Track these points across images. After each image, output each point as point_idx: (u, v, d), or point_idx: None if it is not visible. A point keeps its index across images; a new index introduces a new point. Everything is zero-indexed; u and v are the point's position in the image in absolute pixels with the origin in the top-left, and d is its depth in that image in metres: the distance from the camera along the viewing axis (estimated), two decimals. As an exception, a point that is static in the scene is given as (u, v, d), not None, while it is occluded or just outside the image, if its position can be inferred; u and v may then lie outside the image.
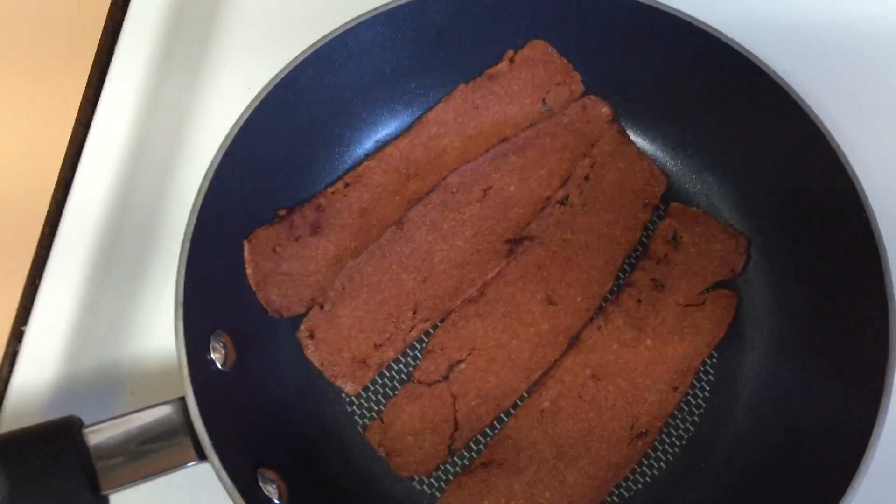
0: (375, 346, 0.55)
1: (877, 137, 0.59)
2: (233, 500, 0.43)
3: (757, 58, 0.53)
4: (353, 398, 0.54)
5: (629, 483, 0.52)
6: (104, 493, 0.43)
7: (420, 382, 0.54)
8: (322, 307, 0.55)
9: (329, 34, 0.53)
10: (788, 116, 0.52)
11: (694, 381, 0.54)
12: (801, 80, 0.55)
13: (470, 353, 0.55)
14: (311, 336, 0.55)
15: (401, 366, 0.55)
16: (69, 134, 0.57)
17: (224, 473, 0.43)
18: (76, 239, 0.55)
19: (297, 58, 0.52)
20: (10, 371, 0.53)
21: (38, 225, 0.55)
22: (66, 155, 0.57)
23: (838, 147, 0.51)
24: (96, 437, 0.43)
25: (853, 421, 0.46)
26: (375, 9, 0.54)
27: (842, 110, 0.57)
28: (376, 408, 0.54)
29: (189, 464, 0.45)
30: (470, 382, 0.54)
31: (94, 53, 0.59)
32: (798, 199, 0.54)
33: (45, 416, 0.51)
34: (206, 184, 0.49)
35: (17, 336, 0.54)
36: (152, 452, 0.44)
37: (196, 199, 0.48)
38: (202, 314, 0.48)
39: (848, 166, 0.50)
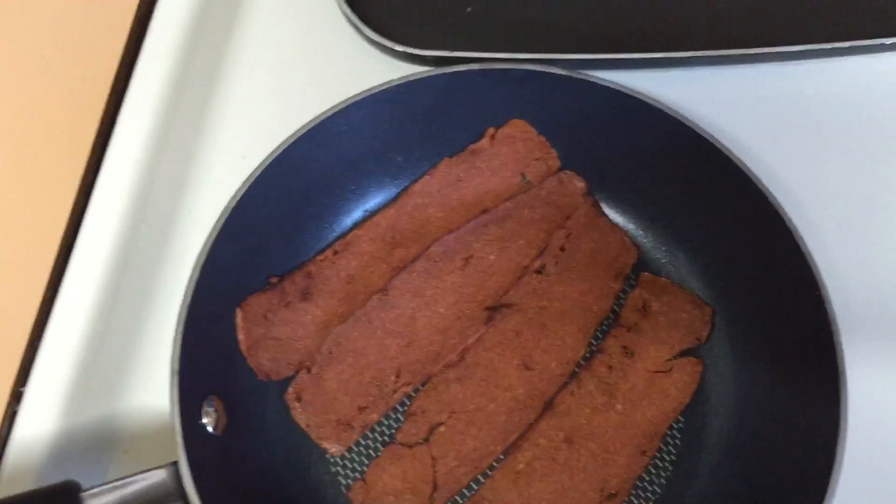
0: (360, 408, 0.58)
1: (833, 212, 0.62)
2: (222, 562, 0.45)
3: (720, 143, 0.57)
4: (338, 459, 0.57)
5: (599, 543, 0.55)
6: (101, 556, 0.45)
7: (402, 444, 0.57)
8: (309, 371, 0.58)
9: (322, 114, 0.56)
10: (749, 198, 0.56)
11: (661, 444, 0.57)
12: (764, 157, 0.60)
13: (449, 416, 0.58)
14: (299, 399, 0.57)
15: (384, 428, 0.58)
16: (72, 201, 0.60)
17: (215, 537, 0.46)
18: (76, 302, 0.57)
19: (291, 136, 0.56)
20: (10, 430, 0.55)
21: (40, 288, 0.58)
22: (67, 223, 0.60)
23: (793, 227, 0.54)
24: (94, 501, 0.46)
25: (810, 478, 0.49)
26: (367, 90, 0.57)
27: (801, 187, 0.60)
28: (359, 468, 0.56)
29: (182, 528, 0.47)
30: (449, 444, 0.57)
31: (97, 123, 0.62)
32: (757, 274, 0.58)
33: (42, 474, 0.53)
34: (203, 256, 0.52)
35: (16, 396, 0.56)
36: (147, 517, 0.46)
37: (193, 270, 0.51)
38: (196, 381, 0.51)
39: (802, 245, 0.54)
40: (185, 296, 0.51)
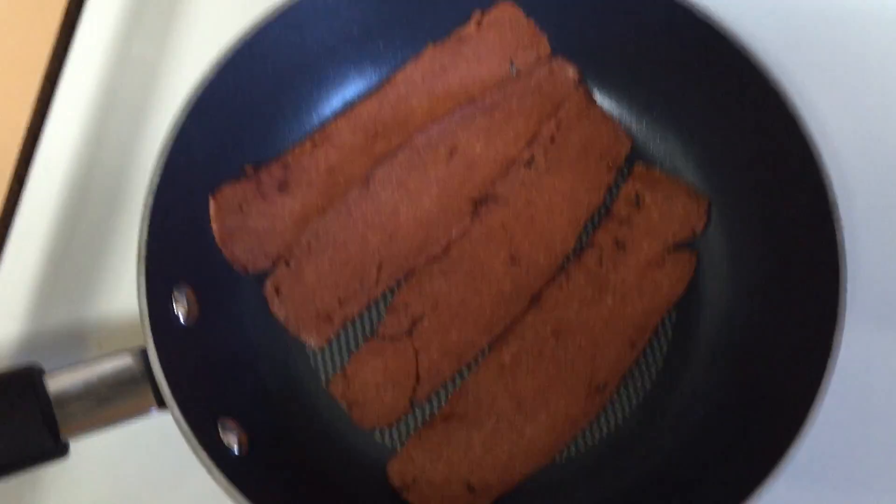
0: (340, 301, 0.56)
1: (836, 101, 0.59)
2: (192, 448, 0.44)
3: (715, 18, 0.53)
4: (317, 352, 0.55)
5: (586, 436, 0.54)
6: (64, 439, 0.44)
7: (383, 337, 0.55)
8: (288, 264, 0.56)
9: (295, -7, 0.53)
10: (750, 80, 0.53)
11: (652, 338, 0.56)
12: (764, 45, 0.56)
13: (433, 310, 0.56)
14: (277, 292, 0.56)
15: (364, 321, 0.56)
16: (37, 90, 0.58)
17: (183, 422, 0.44)
18: (44, 193, 0.55)
19: (263, 18, 0.52)
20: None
21: (4, 181, 0.56)
22: (33, 111, 0.57)
23: (796, 109, 0.51)
24: (56, 383, 0.44)
25: (803, 376, 0.47)
26: (343, -33, 0.54)
27: (804, 76, 0.57)
28: (339, 362, 0.55)
29: (150, 411, 0.46)
30: (432, 338, 0.55)
31: (63, 9, 0.59)
32: (757, 162, 0.55)
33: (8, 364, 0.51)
34: (171, 140, 0.49)
35: (-17, 288, 0.54)
36: (113, 399, 0.45)
37: (160, 154, 0.49)
38: (165, 268, 0.49)
39: (805, 128, 0.51)
40: (152, 180, 0.48)
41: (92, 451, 0.48)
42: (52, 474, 0.51)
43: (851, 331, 0.47)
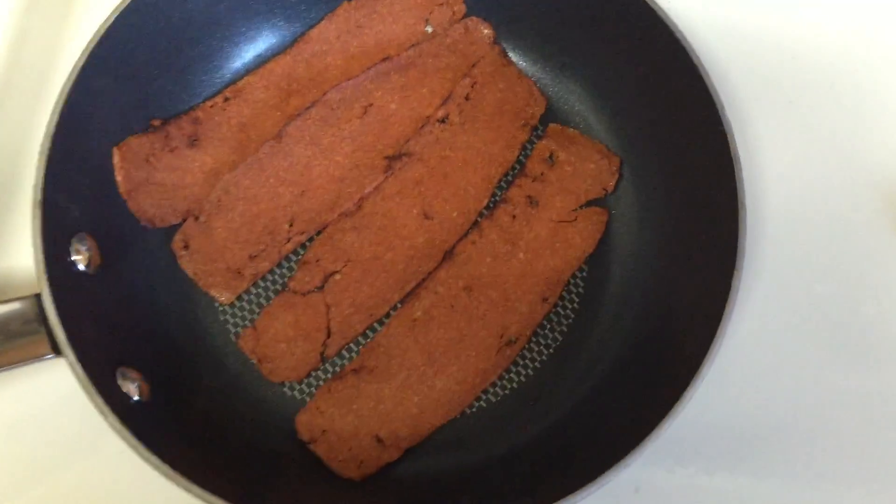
0: (250, 257, 0.55)
1: (740, 55, 0.60)
2: (87, 392, 0.43)
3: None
4: (227, 308, 0.54)
5: (497, 388, 0.54)
6: (-48, 383, 0.42)
7: (295, 292, 0.55)
8: (197, 218, 0.55)
9: (202, -62, 0.52)
10: (657, 38, 0.54)
11: (563, 292, 0.56)
12: (677, 8, 0.57)
13: (345, 265, 0.55)
14: (186, 247, 0.55)
15: (276, 277, 0.55)
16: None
17: (79, 367, 0.43)
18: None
19: (167, -38, 0.52)
20: None
21: None
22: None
23: (702, 66, 0.52)
24: (-60, 329, 0.43)
25: (702, 326, 0.48)
26: (251, -85, 0.54)
27: (709, 32, 0.58)
28: (250, 317, 0.54)
29: (45, 357, 0.44)
30: (344, 292, 0.55)
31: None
32: (665, 120, 0.56)
33: None
34: (69, 83, 0.48)
35: None
36: (6, 342, 0.44)
37: (59, 97, 0.48)
38: (64, 215, 0.48)
39: (710, 84, 0.52)
40: (49, 125, 0.47)
41: None
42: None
43: (749, 288, 0.48)
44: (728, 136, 0.51)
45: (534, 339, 0.55)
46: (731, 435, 0.53)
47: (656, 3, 0.54)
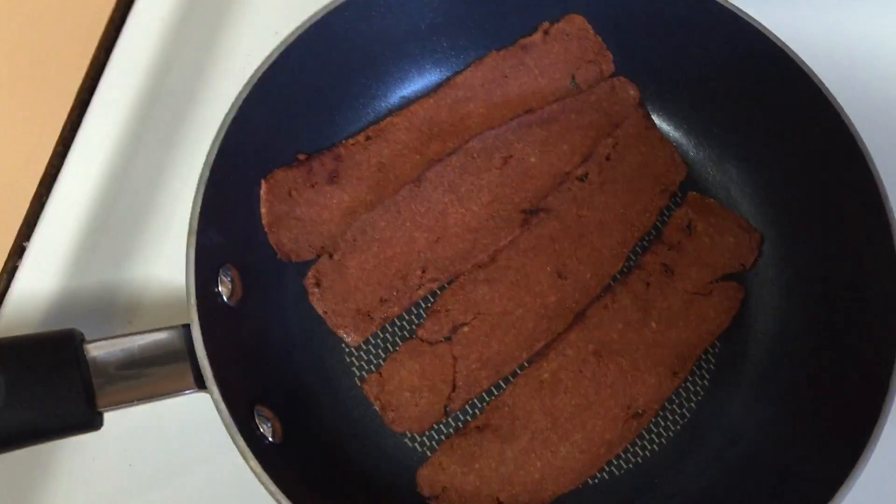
0: (381, 300, 0.54)
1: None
2: (229, 432, 0.42)
3: (791, 50, 0.52)
4: (354, 349, 0.54)
5: (620, 461, 0.52)
6: (100, 409, 0.42)
7: (422, 340, 0.54)
8: (331, 256, 0.55)
9: (370, -19, 0.52)
10: (820, 117, 0.52)
11: (695, 368, 0.54)
12: (838, 84, 0.55)
13: (475, 317, 0.54)
14: (318, 284, 0.54)
15: (404, 323, 0.55)
16: (91, 56, 0.57)
17: (223, 405, 0.43)
18: (89, 158, 0.54)
19: (331, 2, 0.52)
20: (8, 285, 0.52)
21: (51, 141, 0.54)
22: (84, 76, 0.56)
23: (865, 148, 0.50)
24: (97, 352, 0.43)
25: (853, 422, 0.46)
26: (418, -38, 0.53)
27: (873, 115, 0.56)
28: (375, 361, 0.53)
29: (187, 391, 0.44)
30: (472, 346, 0.54)
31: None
32: (817, 202, 0.54)
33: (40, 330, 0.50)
34: (231, 116, 0.48)
35: (18, 251, 0.53)
36: (152, 375, 0.44)
37: (220, 129, 0.48)
38: (213, 245, 0.47)
39: (874, 168, 0.50)
40: (209, 155, 0.47)
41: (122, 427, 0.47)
42: (81, 442, 0.50)
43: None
44: (892, 226, 0.49)
45: (661, 414, 0.53)
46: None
47: (821, 82, 0.52)
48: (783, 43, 0.53)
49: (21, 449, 0.41)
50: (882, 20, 0.63)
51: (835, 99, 0.52)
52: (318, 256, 0.55)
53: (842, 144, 0.51)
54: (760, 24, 0.53)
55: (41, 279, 0.52)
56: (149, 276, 0.54)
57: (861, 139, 0.51)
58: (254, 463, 0.42)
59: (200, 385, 0.44)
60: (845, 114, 0.51)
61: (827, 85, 0.52)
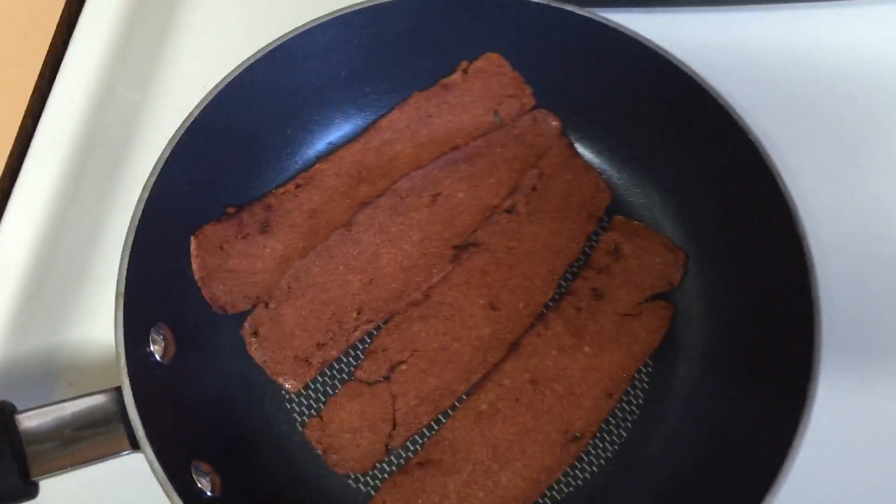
0: (318, 345, 0.56)
1: (812, 159, 0.61)
2: (164, 490, 0.43)
3: (699, 76, 0.54)
4: (294, 395, 0.55)
5: (562, 485, 0.54)
6: (34, 478, 0.43)
7: (361, 382, 0.55)
8: (267, 305, 0.56)
9: (284, 35, 0.54)
10: (728, 135, 0.54)
11: (629, 388, 0.56)
12: (744, 102, 0.57)
13: (412, 355, 0.56)
14: (255, 334, 0.55)
15: (343, 365, 0.56)
16: (17, 128, 0.57)
17: (157, 464, 0.43)
18: (21, 225, 0.55)
19: (250, 57, 0.53)
20: (-53, 358, 0.52)
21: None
22: (14, 142, 0.57)
23: (774, 166, 0.52)
24: (28, 422, 0.43)
25: (773, 435, 0.47)
26: (331, 12, 0.55)
27: (780, 133, 0.58)
28: (316, 405, 0.54)
29: (122, 453, 0.45)
30: (410, 383, 0.55)
31: (47, 47, 0.60)
32: (734, 216, 0.56)
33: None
34: (154, 177, 0.49)
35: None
36: (85, 440, 0.44)
37: (143, 191, 0.49)
38: (143, 306, 0.48)
39: (782, 184, 0.52)
40: (133, 217, 0.48)
41: (62, 491, 0.47)
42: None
43: (826, 385, 0.48)
44: (802, 237, 0.51)
45: (598, 436, 0.55)
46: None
47: (727, 102, 0.54)
48: (686, 66, 0.55)
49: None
50: (788, 38, 0.65)
51: (741, 118, 0.53)
52: (254, 306, 0.56)
53: (749, 160, 0.53)
54: (663, 48, 0.55)
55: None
56: (88, 338, 0.55)
57: (768, 155, 0.52)
58: (190, 520, 0.43)
59: (135, 446, 0.44)
60: (752, 132, 0.53)
61: (733, 105, 0.54)
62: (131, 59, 0.62)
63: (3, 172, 0.57)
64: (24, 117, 0.58)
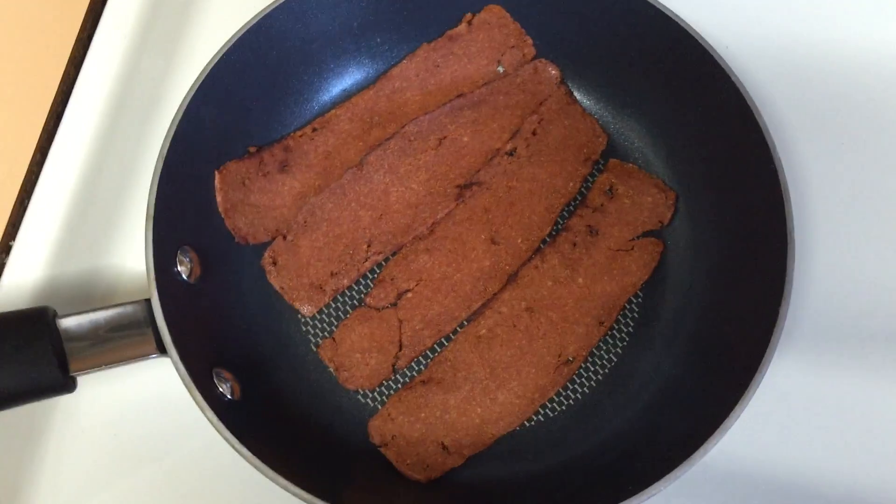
0: (332, 274, 0.60)
1: (800, 112, 0.64)
2: (188, 389, 0.48)
3: (686, 24, 0.58)
4: (309, 319, 0.59)
5: (554, 404, 0.58)
6: (72, 373, 0.48)
7: (370, 307, 0.59)
8: (285, 237, 0.61)
9: (298, -14, 0.58)
10: (713, 81, 0.58)
11: (619, 317, 0.60)
12: (730, 51, 0.61)
13: (417, 284, 0.60)
14: (274, 263, 0.60)
15: (354, 293, 0.60)
16: (62, 70, 0.63)
17: (181, 366, 0.48)
18: (64, 164, 0.60)
19: (267, 6, 0.58)
20: (-1, 279, 0.58)
21: (29, 150, 0.61)
22: (57, 90, 0.62)
23: (756, 109, 0.56)
24: (68, 323, 0.49)
25: (744, 354, 0.51)
26: (342, -33, 0.59)
27: (766, 80, 0.62)
28: (329, 328, 0.59)
29: (151, 356, 0.50)
30: (416, 309, 0.59)
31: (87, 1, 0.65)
32: (719, 158, 0.59)
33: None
34: (180, 114, 0.54)
35: (5, 249, 0.59)
36: (118, 341, 0.50)
37: (171, 125, 0.54)
38: (171, 229, 0.53)
39: (763, 129, 0.55)
40: (162, 147, 0.53)
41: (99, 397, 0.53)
42: (61, 416, 0.56)
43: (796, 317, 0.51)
44: (779, 173, 0.54)
45: (590, 360, 0.59)
46: (759, 480, 0.56)
47: (713, 48, 0.58)
48: (675, 15, 0.58)
49: (4, 409, 0.47)
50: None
51: (727, 65, 0.57)
52: (273, 238, 0.61)
53: (733, 105, 0.57)
54: (662, 4, 0.59)
55: (27, 271, 0.58)
56: (122, 263, 0.60)
57: (752, 101, 0.56)
58: (210, 414, 0.48)
59: (162, 350, 0.50)
60: (738, 79, 0.57)
61: (721, 54, 0.57)
62: (164, 9, 0.66)
63: (48, 116, 0.62)
64: (67, 64, 0.63)
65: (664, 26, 0.59)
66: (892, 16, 0.67)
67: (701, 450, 0.48)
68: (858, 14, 0.68)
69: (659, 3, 0.59)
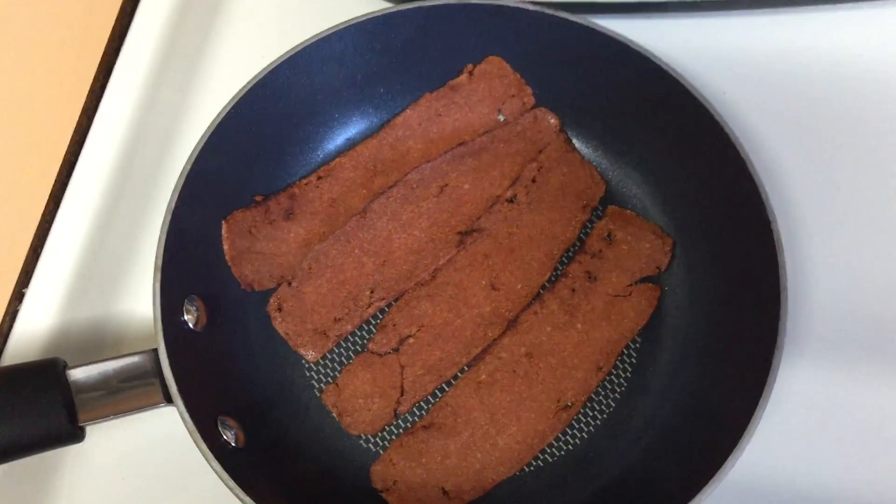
0: (335, 319, 0.62)
1: (796, 155, 0.65)
2: (193, 439, 0.50)
3: (682, 77, 0.59)
4: (313, 365, 0.61)
5: (553, 449, 0.59)
6: (81, 423, 0.50)
7: (373, 353, 0.61)
8: (290, 284, 0.62)
9: (303, 42, 0.60)
10: (708, 133, 0.59)
11: (617, 362, 0.61)
12: (723, 101, 0.62)
13: (419, 329, 0.61)
14: (279, 309, 0.62)
15: (356, 338, 0.62)
16: (76, 121, 0.65)
17: (187, 415, 0.50)
18: (76, 213, 0.62)
19: (273, 61, 0.60)
20: (11, 327, 0.60)
21: (42, 200, 0.63)
22: (71, 140, 0.64)
23: (748, 159, 0.57)
24: (78, 375, 0.50)
25: (743, 399, 0.52)
26: (347, 20, 0.61)
27: (767, 130, 0.63)
28: (332, 374, 0.60)
29: (158, 405, 0.51)
30: (417, 355, 0.61)
31: (100, 55, 0.67)
32: (714, 206, 0.61)
33: (39, 365, 0.57)
34: (188, 166, 0.56)
35: (18, 297, 0.61)
36: (126, 392, 0.51)
37: (179, 178, 0.56)
38: (178, 279, 0.55)
39: (756, 177, 0.56)
40: (171, 201, 0.55)
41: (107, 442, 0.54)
42: (71, 461, 0.57)
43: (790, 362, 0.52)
44: (772, 224, 0.55)
45: (588, 405, 0.60)
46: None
47: (708, 101, 0.59)
48: (670, 68, 0.60)
49: (15, 460, 0.49)
50: (771, 37, 0.69)
51: (721, 118, 0.58)
52: (279, 285, 0.62)
53: (726, 155, 0.58)
54: (647, 50, 0.60)
55: (39, 317, 0.60)
56: (133, 311, 0.62)
57: (745, 152, 0.57)
58: (215, 464, 0.49)
59: (169, 400, 0.51)
60: (732, 132, 0.58)
61: (717, 101, 0.59)
62: (175, 64, 0.68)
63: (62, 165, 0.64)
64: (80, 115, 0.65)
65: (660, 78, 0.60)
66: (891, 62, 0.69)
67: (695, 499, 0.49)
68: (856, 59, 0.69)
69: (655, 57, 0.61)
